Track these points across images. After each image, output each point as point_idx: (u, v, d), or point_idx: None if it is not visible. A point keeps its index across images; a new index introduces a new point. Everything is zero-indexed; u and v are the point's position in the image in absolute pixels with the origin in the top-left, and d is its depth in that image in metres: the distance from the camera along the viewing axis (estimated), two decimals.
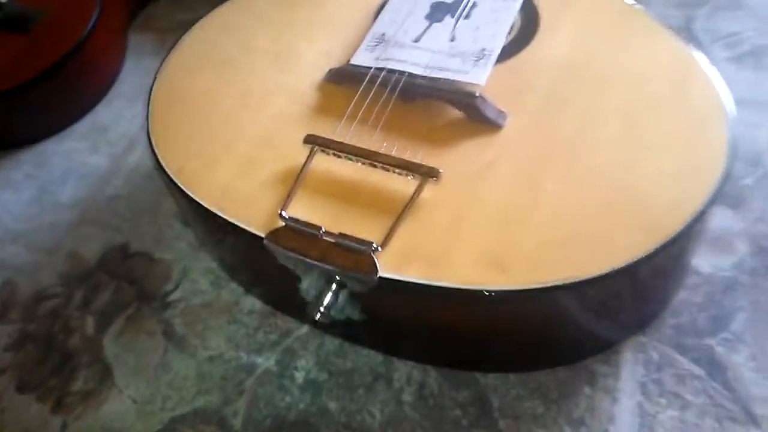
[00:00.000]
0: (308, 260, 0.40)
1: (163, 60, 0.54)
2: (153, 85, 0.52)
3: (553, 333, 0.44)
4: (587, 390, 0.45)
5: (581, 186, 0.41)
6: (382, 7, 0.54)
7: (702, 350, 0.46)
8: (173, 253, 0.56)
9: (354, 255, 0.39)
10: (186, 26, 0.55)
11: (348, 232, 0.40)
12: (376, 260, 0.39)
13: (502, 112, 0.45)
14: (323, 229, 0.40)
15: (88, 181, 0.63)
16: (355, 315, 0.44)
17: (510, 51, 0.49)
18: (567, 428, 0.44)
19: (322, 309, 0.41)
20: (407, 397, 0.46)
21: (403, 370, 0.47)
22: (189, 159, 0.46)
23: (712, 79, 0.45)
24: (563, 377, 0.46)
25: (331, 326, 0.45)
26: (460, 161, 0.43)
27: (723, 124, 0.43)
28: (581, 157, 0.42)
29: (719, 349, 0.46)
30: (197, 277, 0.54)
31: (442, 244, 0.40)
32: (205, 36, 0.56)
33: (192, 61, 0.54)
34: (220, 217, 0.43)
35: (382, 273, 0.39)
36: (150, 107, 0.51)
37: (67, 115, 0.70)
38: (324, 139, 0.44)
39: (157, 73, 0.53)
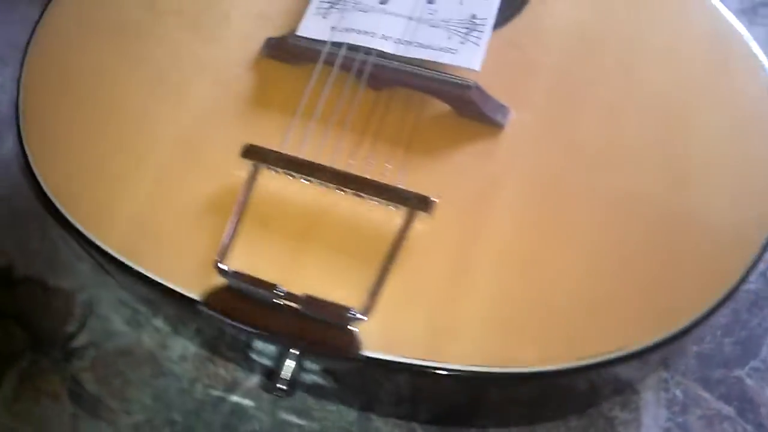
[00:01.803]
0: (263, 333, 0.30)
1: (37, 23, 0.39)
2: (24, 63, 0.38)
3: (567, 391, 0.36)
4: None
5: (616, 215, 0.32)
6: None
7: (730, 384, 0.40)
8: (73, 278, 0.43)
9: (327, 327, 0.29)
10: None
11: (315, 293, 0.29)
12: (357, 335, 0.29)
13: (503, 106, 0.35)
14: (281, 289, 0.29)
15: None
16: (326, 383, 0.34)
17: (503, 14, 0.37)
18: None
19: (281, 385, 0.31)
20: None
21: (384, 429, 0.38)
22: (83, 182, 0.34)
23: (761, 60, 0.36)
24: (575, 428, 0.38)
25: (292, 392, 0.35)
26: (454, 178, 0.33)
27: None
28: (610, 174, 0.33)
29: (749, 382, 0.40)
30: (108, 312, 0.42)
31: (441, 306, 0.30)
32: None
33: (78, 26, 0.39)
34: (132, 268, 0.31)
35: (367, 352, 0.29)
36: (21, 100, 0.37)
37: None
38: (271, 152, 0.32)
39: (28, 44, 0.39)
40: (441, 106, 0.35)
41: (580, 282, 0.30)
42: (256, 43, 0.37)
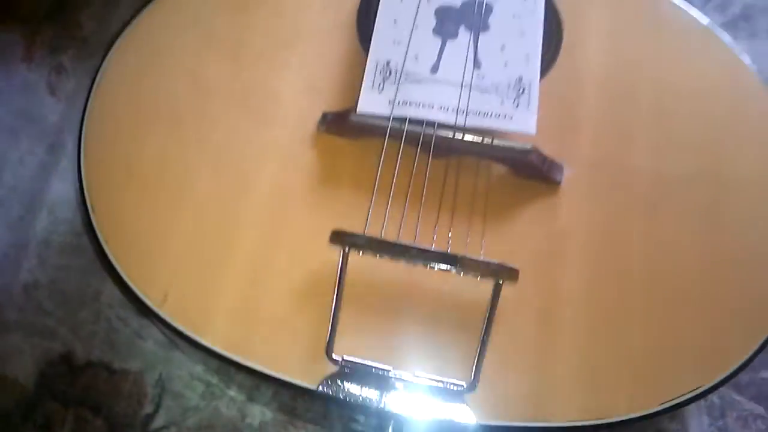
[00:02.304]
0: (383, 410, 0.31)
1: (85, 110, 0.39)
2: (80, 152, 0.37)
3: None
4: None
5: (681, 259, 0.35)
6: (363, 8, 0.42)
7: (759, 385, 0.44)
8: (138, 358, 0.44)
9: (440, 400, 0.31)
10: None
11: (421, 372, 0.31)
12: (469, 406, 0.31)
13: (558, 164, 0.37)
14: (393, 373, 0.31)
15: None
16: None
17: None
18: None
19: None
20: None
21: None
22: (172, 280, 0.34)
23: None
24: None
25: None
26: (526, 241, 0.35)
27: None
28: (668, 208, 0.36)
29: None
30: (181, 388, 0.43)
31: (536, 368, 0.32)
32: (133, 65, 0.41)
33: (129, 110, 0.39)
34: (244, 366, 0.32)
35: (481, 421, 0.31)
36: (88, 195, 0.37)
37: None
38: (361, 237, 0.33)
39: (81, 131, 0.38)
40: (501, 169, 0.37)
41: (653, 329, 0.33)
42: (311, 118, 0.39)
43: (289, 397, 0.40)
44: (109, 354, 0.44)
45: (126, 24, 0.42)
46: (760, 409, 0.43)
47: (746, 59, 0.41)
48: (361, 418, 0.35)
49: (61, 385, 0.43)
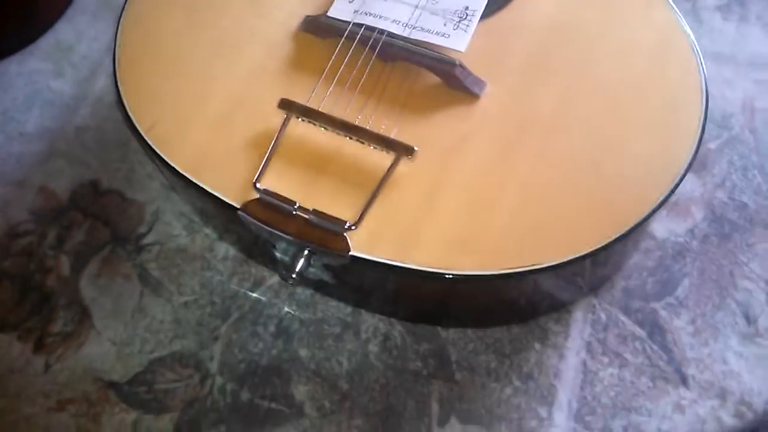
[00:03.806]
0: (282, 234, 0.41)
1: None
2: (119, 25, 0.49)
3: (510, 300, 0.47)
4: (537, 346, 0.49)
5: (553, 169, 0.42)
6: None
7: (646, 313, 0.50)
8: (145, 193, 0.56)
9: (327, 233, 0.41)
10: None
11: (321, 209, 0.41)
12: (348, 239, 0.40)
13: (481, 81, 0.45)
14: (297, 204, 0.41)
15: (53, 109, 0.61)
16: (327, 278, 0.45)
17: (490, 7, 0.47)
18: (517, 382, 0.48)
19: (294, 275, 0.42)
20: (373, 348, 0.50)
21: (370, 322, 0.50)
22: (161, 115, 0.45)
23: (695, 56, 0.45)
24: (517, 333, 0.49)
25: (302, 283, 0.46)
26: (435, 133, 0.43)
27: (698, 108, 0.43)
28: (557, 137, 0.43)
29: (662, 313, 0.50)
30: (170, 220, 0.55)
31: (412, 224, 0.41)
32: None
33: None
34: (194, 182, 0.43)
35: (354, 252, 0.40)
36: (117, 52, 0.48)
37: (26, 29, 0.66)
38: (299, 105, 0.43)
39: (122, 10, 0.50)
40: (434, 78, 0.45)
41: (515, 216, 0.41)
42: (297, 19, 0.48)
43: (249, 241, 0.51)
44: (125, 186, 0.57)
45: None
46: (641, 333, 0.49)
47: (687, 29, 0.46)
48: (279, 246, 0.45)
49: (85, 202, 0.56)
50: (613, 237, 0.40)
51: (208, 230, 0.54)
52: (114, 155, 0.59)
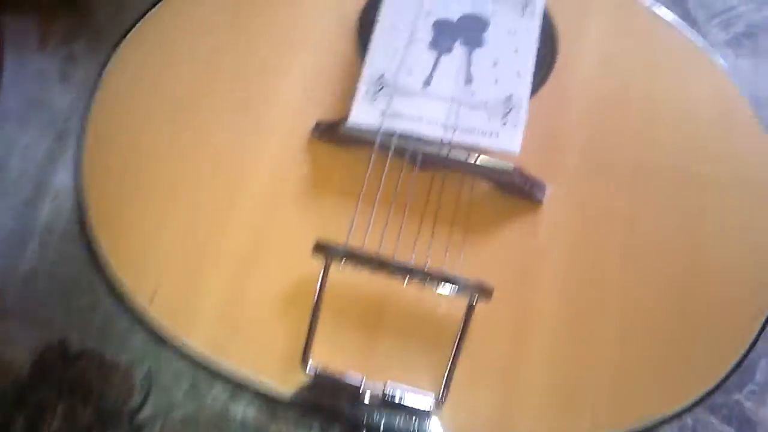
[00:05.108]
0: (353, 417, 0.32)
1: (89, 105, 0.40)
2: (81, 152, 0.38)
3: None
4: None
5: (655, 284, 0.35)
6: (364, 18, 0.42)
7: (731, 407, 0.45)
8: (130, 350, 0.45)
9: (409, 411, 0.32)
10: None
11: (391, 378, 0.32)
12: (437, 419, 0.32)
13: (540, 183, 0.37)
14: (365, 382, 0.32)
15: None
16: None
17: (532, 84, 0.40)
18: None
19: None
20: None
21: None
22: (162, 277, 0.35)
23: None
24: None
25: None
26: (504, 256, 0.36)
27: None
28: (640, 235, 0.36)
29: (748, 404, 0.44)
30: (169, 383, 0.44)
31: (504, 385, 0.33)
32: (139, 63, 0.42)
33: (129, 104, 0.40)
34: (223, 369, 0.33)
35: None
36: (86, 191, 0.37)
37: None
38: (340, 248, 0.34)
39: (83, 132, 0.39)
40: (485, 183, 0.37)
41: (626, 349, 0.34)
42: (304, 123, 0.39)
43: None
44: (102, 343, 0.46)
45: (136, 21, 0.43)
46: (730, 431, 0.44)
47: (736, 82, 0.41)
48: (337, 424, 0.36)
49: (54, 373, 0.45)
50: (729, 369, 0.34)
51: (217, 389, 0.44)
52: (80, 303, 0.47)
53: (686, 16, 0.58)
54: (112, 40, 0.43)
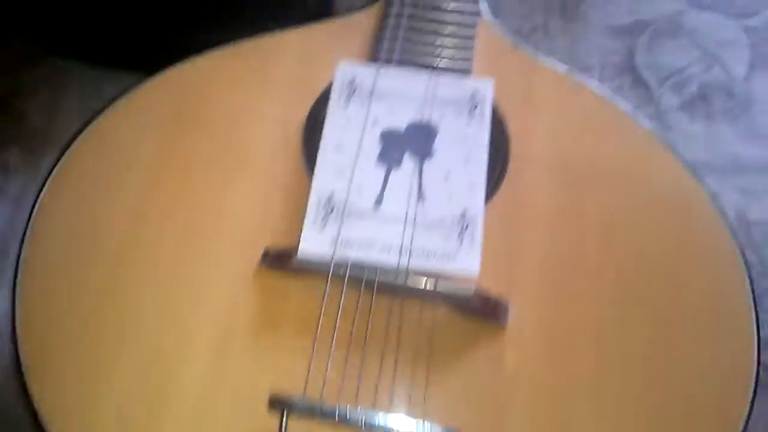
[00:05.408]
0: None
1: (19, 259, 0.37)
2: (16, 311, 0.36)
3: None
4: None
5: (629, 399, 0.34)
6: (310, 128, 0.41)
7: None
8: None
9: None
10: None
11: None
12: None
13: (502, 305, 0.36)
14: None
15: None
16: None
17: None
18: None
19: None
20: None
21: None
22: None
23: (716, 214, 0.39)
24: None
25: None
26: (469, 393, 0.34)
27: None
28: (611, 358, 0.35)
29: None
30: None
31: None
32: (73, 189, 0.39)
33: (65, 242, 0.37)
34: None
35: None
36: (21, 340, 0.35)
37: None
38: (298, 403, 0.32)
39: (15, 286, 0.37)
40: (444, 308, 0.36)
41: None
42: (250, 252, 0.37)
43: None
44: None
45: (72, 138, 0.40)
46: None
47: (697, 179, 0.40)
48: None
49: None
50: None
51: None
52: None
53: (638, 81, 0.58)
54: (47, 149, 0.41)
